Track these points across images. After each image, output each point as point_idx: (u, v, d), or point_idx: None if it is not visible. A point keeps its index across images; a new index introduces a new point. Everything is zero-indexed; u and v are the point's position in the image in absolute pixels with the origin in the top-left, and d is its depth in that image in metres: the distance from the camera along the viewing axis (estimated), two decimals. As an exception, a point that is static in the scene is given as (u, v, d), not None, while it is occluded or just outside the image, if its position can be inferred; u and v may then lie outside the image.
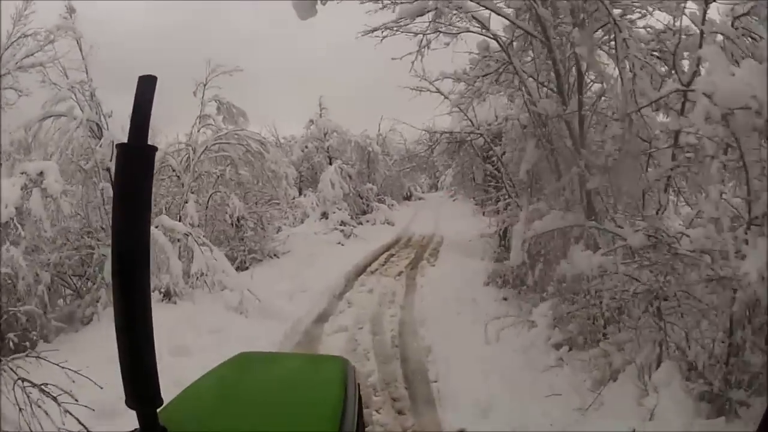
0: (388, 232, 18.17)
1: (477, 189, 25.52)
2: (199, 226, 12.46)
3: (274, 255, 14.54)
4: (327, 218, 17.95)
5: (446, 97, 9.14)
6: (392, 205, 24.89)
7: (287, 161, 14.29)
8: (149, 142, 0.82)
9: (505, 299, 8.11)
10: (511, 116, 9.50)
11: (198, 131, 14.19)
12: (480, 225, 18.50)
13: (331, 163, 20.39)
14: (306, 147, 24.04)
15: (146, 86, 0.81)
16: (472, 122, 9.06)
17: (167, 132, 14.06)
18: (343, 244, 15.79)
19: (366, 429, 2.26)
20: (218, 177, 13.06)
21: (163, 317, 7.66)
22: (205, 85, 14.53)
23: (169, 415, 0.98)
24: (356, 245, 15.31)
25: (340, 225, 17.37)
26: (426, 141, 10.02)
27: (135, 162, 0.80)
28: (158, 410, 0.87)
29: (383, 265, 12.62)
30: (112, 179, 9.86)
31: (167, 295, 8.50)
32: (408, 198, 34.33)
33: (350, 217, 18.28)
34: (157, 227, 8.81)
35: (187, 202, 12.25)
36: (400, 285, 10.00)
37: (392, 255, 14.16)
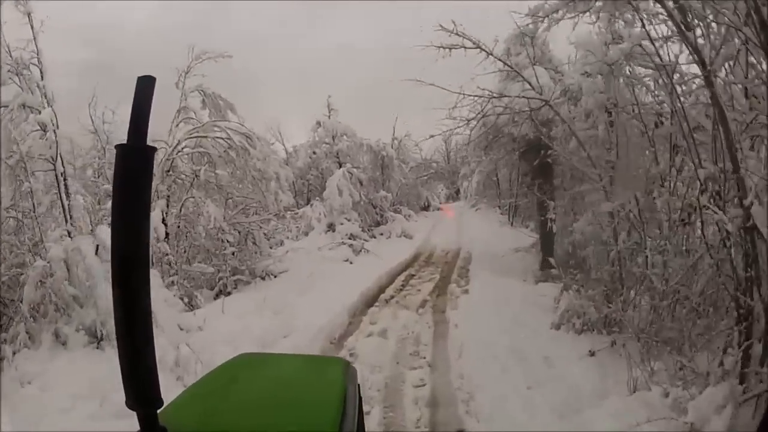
0: (406, 247, 15.27)
1: (503, 196, 22.82)
2: (166, 239, 9.99)
3: (268, 275, 11.89)
4: (334, 230, 15.16)
5: (489, 53, 6.38)
6: (409, 215, 22.02)
7: (279, 159, 11.54)
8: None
9: (592, 354, 5.21)
10: (572, 86, 6.74)
11: (176, 126, 11.77)
12: (511, 237, 15.85)
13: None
14: (314, 153, 21.53)
15: (145, 86, 0.78)
16: (530, 84, 6.22)
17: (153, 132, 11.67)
18: (351, 262, 12.96)
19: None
20: (194, 178, 10.44)
21: (67, 375, 5.08)
22: (186, 74, 12.08)
23: (170, 417, 0.95)
24: (367, 263, 12.46)
25: (349, 238, 14.54)
26: (463, 113, 7.07)
27: (134, 162, 0.77)
28: (158, 411, 0.82)
29: (401, 290, 9.73)
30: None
31: (95, 338, 6.09)
32: (426, 208, 31.59)
33: (361, 229, 15.44)
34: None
35: (153, 210, 9.74)
36: (425, 323, 7.10)
37: (412, 276, 11.27)
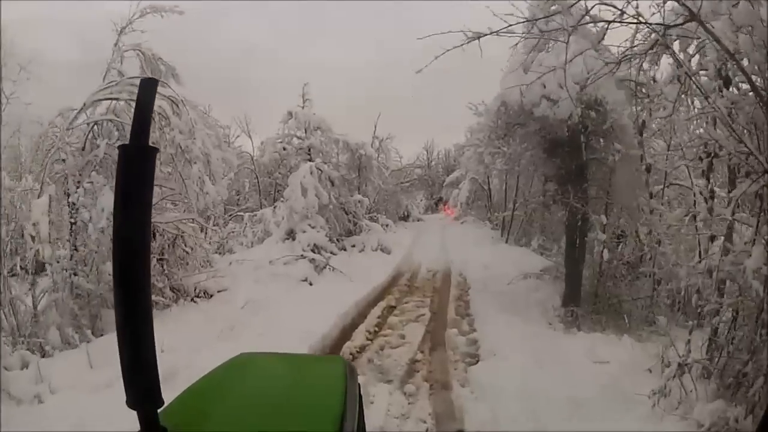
0: (383, 265, 12.16)
1: (495, 208, 19.93)
2: (51, 241, 7.01)
3: (202, 294, 8.90)
4: (294, 239, 12.05)
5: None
6: (387, 225, 19.04)
7: (215, 136, 8.40)
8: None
9: None
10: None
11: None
12: (511, 256, 13.12)
13: (311, 165, 14.54)
14: (284, 148, 18.55)
15: (148, 88, 0.80)
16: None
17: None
18: (311, 283, 9.86)
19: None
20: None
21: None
22: (123, 29, 9.03)
23: (170, 416, 0.95)
24: (332, 286, 9.40)
25: (312, 251, 11.45)
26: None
27: (136, 162, 0.78)
28: (159, 410, 0.83)
29: (376, 335, 6.65)
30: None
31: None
32: (405, 218, 28.71)
33: (328, 239, 12.32)
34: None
35: (40, 197, 7.05)
36: (419, 420, 4.03)
37: (392, 309, 8.19)
